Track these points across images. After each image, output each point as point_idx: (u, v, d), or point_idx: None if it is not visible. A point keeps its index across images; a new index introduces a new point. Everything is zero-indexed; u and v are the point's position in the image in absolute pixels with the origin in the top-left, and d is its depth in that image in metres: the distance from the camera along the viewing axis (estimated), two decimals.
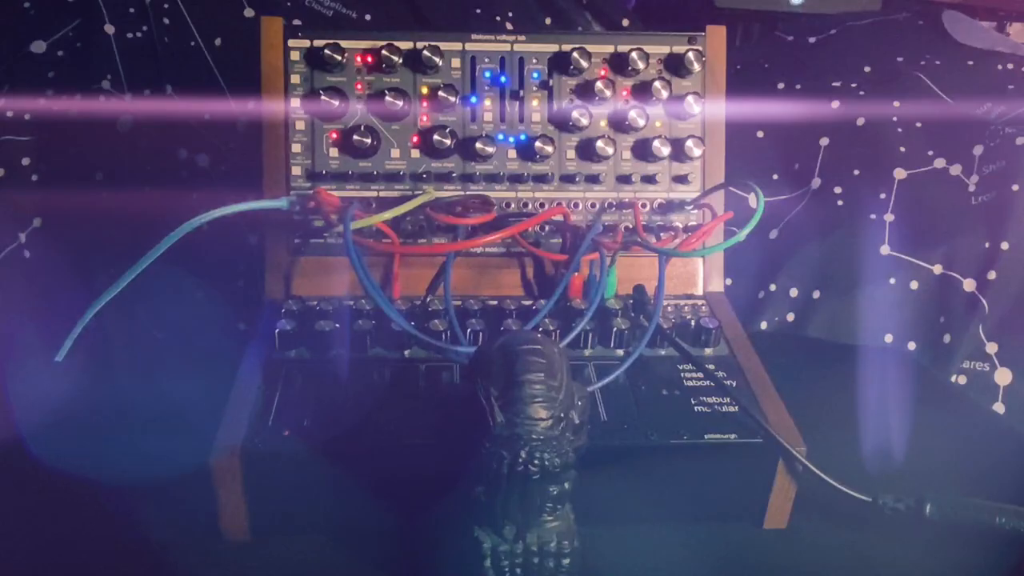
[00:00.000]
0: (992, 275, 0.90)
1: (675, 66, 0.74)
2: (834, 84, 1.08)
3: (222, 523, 0.57)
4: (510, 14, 1.10)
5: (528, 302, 0.70)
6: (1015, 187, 0.91)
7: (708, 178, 0.74)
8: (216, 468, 0.55)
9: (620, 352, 0.66)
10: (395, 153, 0.72)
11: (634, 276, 0.72)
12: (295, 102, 0.71)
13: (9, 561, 0.56)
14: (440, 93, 0.71)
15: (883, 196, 0.96)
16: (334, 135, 0.71)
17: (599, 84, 0.71)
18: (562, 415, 0.46)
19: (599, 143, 0.71)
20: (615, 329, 0.65)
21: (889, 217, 0.95)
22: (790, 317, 0.95)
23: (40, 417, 0.67)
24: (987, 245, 0.91)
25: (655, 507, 0.60)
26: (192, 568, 0.56)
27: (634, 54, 0.72)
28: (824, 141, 1.01)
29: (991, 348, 0.89)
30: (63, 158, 0.91)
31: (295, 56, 0.71)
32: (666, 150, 0.72)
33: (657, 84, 0.72)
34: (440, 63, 0.72)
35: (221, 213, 0.64)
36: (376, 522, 0.57)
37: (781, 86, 1.11)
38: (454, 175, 0.72)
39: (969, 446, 0.71)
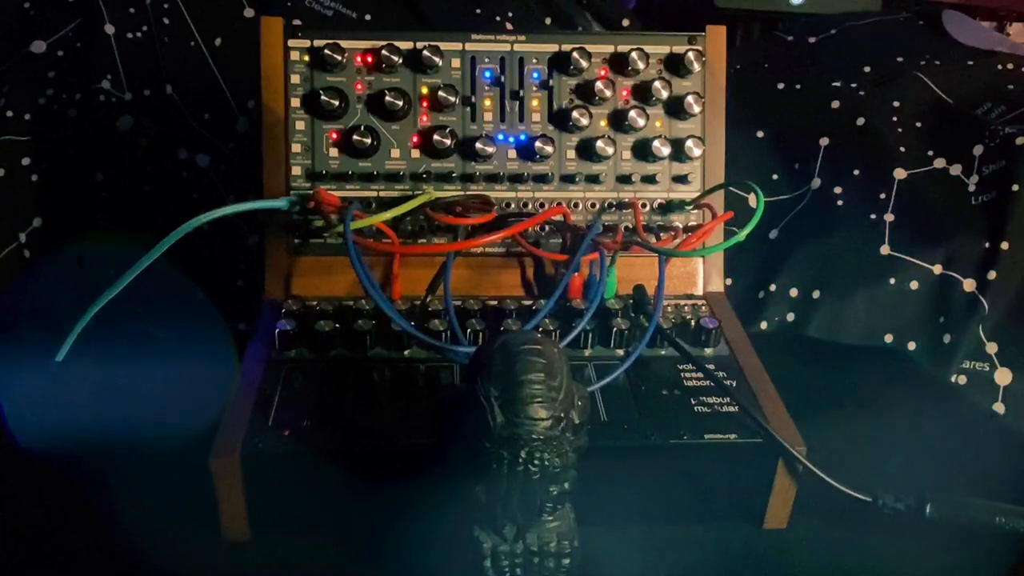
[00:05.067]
0: (992, 275, 0.90)
1: (675, 66, 0.74)
2: (834, 84, 1.08)
3: (222, 523, 0.57)
4: (510, 14, 1.10)
5: (528, 302, 0.70)
6: (1015, 187, 0.91)
7: (708, 178, 0.74)
8: (216, 468, 0.55)
9: (620, 352, 0.66)
10: (395, 153, 0.72)
11: (634, 276, 0.72)
12: (295, 102, 0.71)
13: (7, 561, 0.56)
14: (440, 93, 0.71)
15: (883, 196, 0.96)
16: (334, 135, 0.71)
17: (599, 84, 0.71)
18: (562, 415, 0.46)
19: (599, 143, 0.71)
20: (615, 329, 0.65)
21: (889, 217, 0.95)
22: (790, 317, 0.95)
23: (39, 417, 0.67)
24: (987, 245, 0.91)
25: (655, 507, 0.60)
26: (192, 568, 0.56)
27: (634, 54, 0.72)
28: (824, 141, 1.01)
29: (991, 348, 0.89)
30: (63, 158, 0.91)
31: (295, 56, 0.71)
32: (666, 150, 0.72)
33: (657, 84, 0.72)
34: (440, 63, 0.72)
35: (221, 213, 0.64)
36: (376, 522, 0.57)
37: (781, 86, 1.11)
38: (454, 175, 0.72)
39: (969, 446, 0.71)
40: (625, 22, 1.19)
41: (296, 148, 0.71)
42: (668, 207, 0.74)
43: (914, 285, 0.92)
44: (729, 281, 0.86)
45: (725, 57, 0.75)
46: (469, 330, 0.65)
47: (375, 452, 0.57)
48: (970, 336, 0.90)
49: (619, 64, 0.73)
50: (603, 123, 0.74)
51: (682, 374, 0.64)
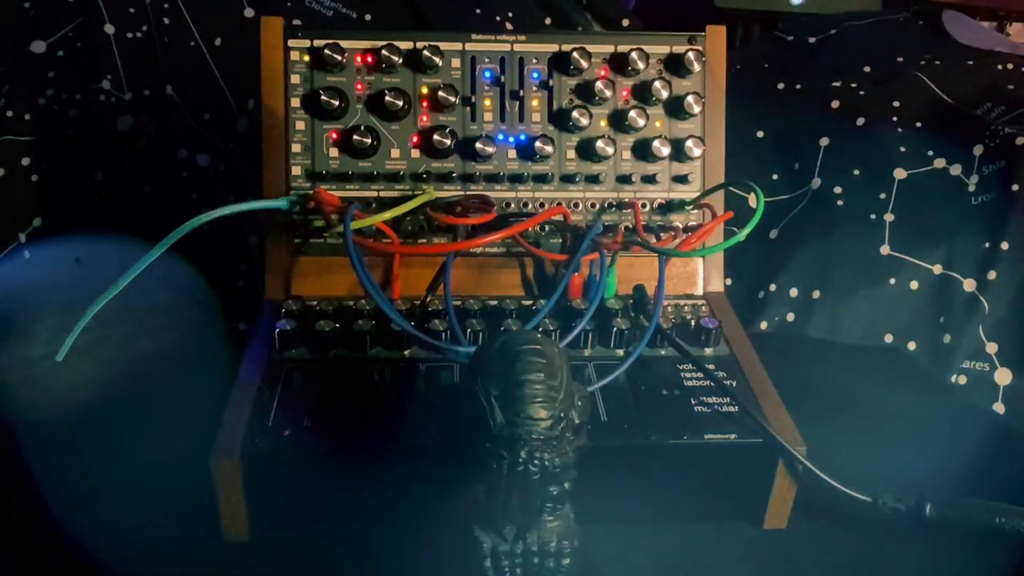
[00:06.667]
0: (992, 275, 0.90)
1: (675, 66, 0.74)
2: (834, 84, 1.08)
3: (222, 523, 0.57)
4: (510, 14, 1.10)
5: (528, 302, 0.70)
6: (1015, 187, 0.91)
7: (708, 178, 0.74)
8: (216, 468, 0.55)
9: (620, 352, 0.66)
10: (395, 153, 0.72)
11: (634, 276, 0.72)
12: (295, 102, 0.71)
13: (7, 560, 0.56)
14: (440, 93, 0.71)
15: (883, 196, 0.96)
16: (334, 135, 0.71)
17: (599, 84, 0.71)
18: (562, 415, 0.46)
19: (599, 143, 0.71)
20: (615, 329, 0.65)
21: (889, 217, 0.95)
22: (790, 317, 0.95)
23: (39, 417, 0.67)
24: (987, 245, 0.91)
25: (655, 507, 0.60)
26: (192, 568, 0.56)
27: (634, 54, 0.72)
28: (824, 141, 1.01)
29: (991, 348, 0.89)
30: (63, 158, 0.91)
31: (295, 56, 0.71)
32: (666, 150, 0.72)
33: (657, 84, 0.72)
34: (440, 63, 0.72)
35: (221, 213, 0.64)
36: (376, 522, 0.57)
37: (781, 86, 1.11)
38: (454, 175, 0.72)
39: (969, 446, 0.71)
40: (625, 22, 1.19)
41: (296, 148, 0.71)
42: (668, 207, 0.74)
43: (914, 285, 0.92)
44: (729, 281, 0.86)
45: (725, 57, 0.75)
46: (469, 330, 0.65)
47: (375, 452, 0.57)
48: (970, 336, 0.90)
49: (619, 64, 0.73)
50: (603, 123, 0.74)
51: (682, 374, 0.64)
